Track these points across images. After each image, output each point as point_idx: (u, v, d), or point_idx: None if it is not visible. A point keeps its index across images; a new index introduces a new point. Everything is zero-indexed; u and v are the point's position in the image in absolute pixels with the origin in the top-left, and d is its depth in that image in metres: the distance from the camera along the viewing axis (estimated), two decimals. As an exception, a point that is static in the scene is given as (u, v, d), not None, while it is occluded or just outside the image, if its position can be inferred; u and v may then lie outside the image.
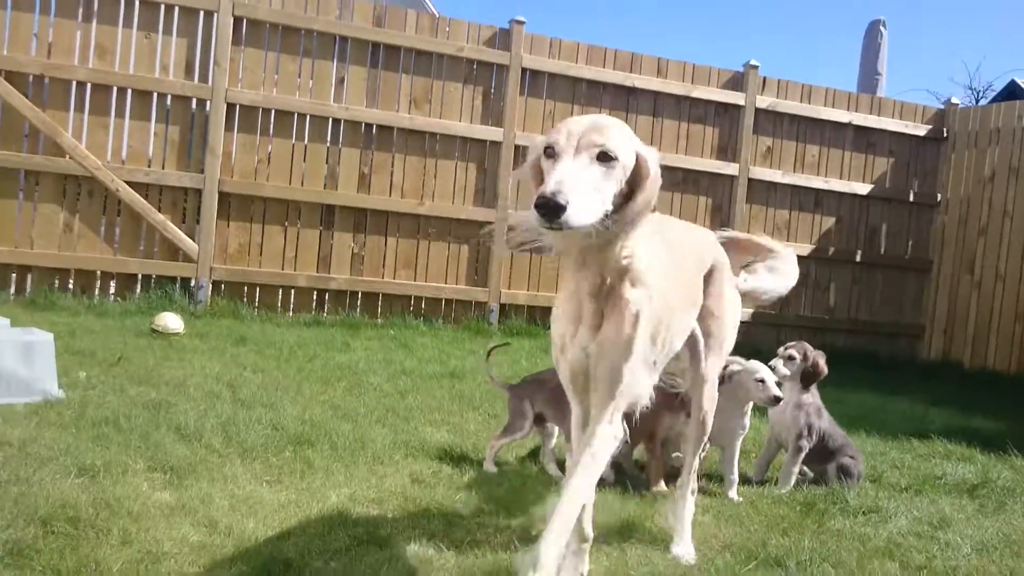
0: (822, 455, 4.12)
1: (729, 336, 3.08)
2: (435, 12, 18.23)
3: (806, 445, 4.05)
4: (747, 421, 3.98)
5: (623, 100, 8.84)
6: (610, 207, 2.12)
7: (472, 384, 5.46)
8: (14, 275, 7.07)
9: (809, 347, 4.17)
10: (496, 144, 8.36)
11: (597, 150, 2.11)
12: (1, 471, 3.13)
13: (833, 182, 9.66)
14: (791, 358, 4.11)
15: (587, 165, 2.10)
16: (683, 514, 3.06)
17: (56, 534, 2.67)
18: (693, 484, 3.10)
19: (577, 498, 2.25)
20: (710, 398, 3.04)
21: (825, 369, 4.13)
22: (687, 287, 2.74)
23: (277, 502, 3.14)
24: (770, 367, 4.05)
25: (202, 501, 3.05)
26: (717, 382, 3.08)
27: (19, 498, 2.90)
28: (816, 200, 9.65)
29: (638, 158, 2.21)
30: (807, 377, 4.10)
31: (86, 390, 4.41)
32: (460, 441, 4.15)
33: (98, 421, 3.86)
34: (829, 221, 9.73)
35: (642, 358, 2.37)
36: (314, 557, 2.66)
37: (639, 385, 2.41)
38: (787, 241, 9.45)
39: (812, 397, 4.14)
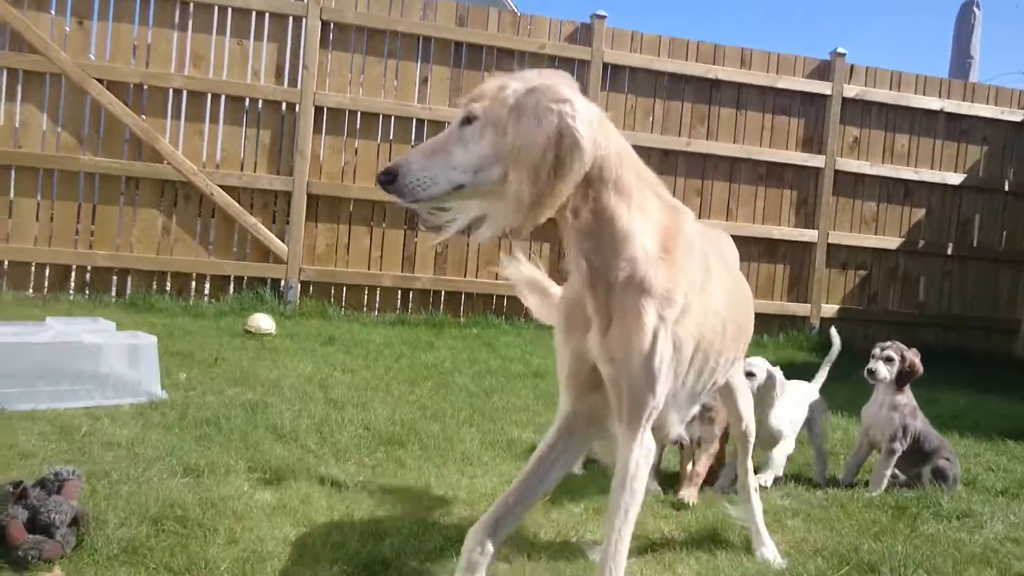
0: (917, 457, 4.05)
1: (747, 338, 2.92)
2: (516, 10, 18.30)
3: (899, 447, 3.99)
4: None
5: (706, 93, 8.76)
6: (467, 175, 1.93)
7: (555, 383, 5.51)
8: (115, 278, 7.41)
9: (904, 346, 4.10)
10: (577, 141, 8.36)
11: (463, 112, 1.94)
12: (112, 470, 3.31)
13: (924, 172, 9.40)
14: (889, 359, 4.04)
15: (453, 129, 1.95)
16: (754, 516, 3.07)
17: (166, 532, 2.81)
18: (754, 483, 3.10)
19: (624, 547, 2.16)
20: (746, 404, 3.04)
21: (921, 368, 4.05)
22: (744, 316, 2.61)
23: (372, 502, 3.25)
24: (869, 371, 4.00)
25: (301, 501, 3.17)
26: (747, 385, 3.07)
27: (130, 497, 3.06)
28: (906, 191, 9.40)
29: (560, 118, 1.87)
30: (903, 377, 4.03)
31: (187, 391, 4.60)
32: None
33: (200, 422, 4.03)
34: (919, 213, 9.47)
35: (667, 386, 2.18)
36: (410, 557, 2.75)
37: (667, 415, 2.31)
38: (876, 234, 9.25)
39: (907, 398, 4.07)
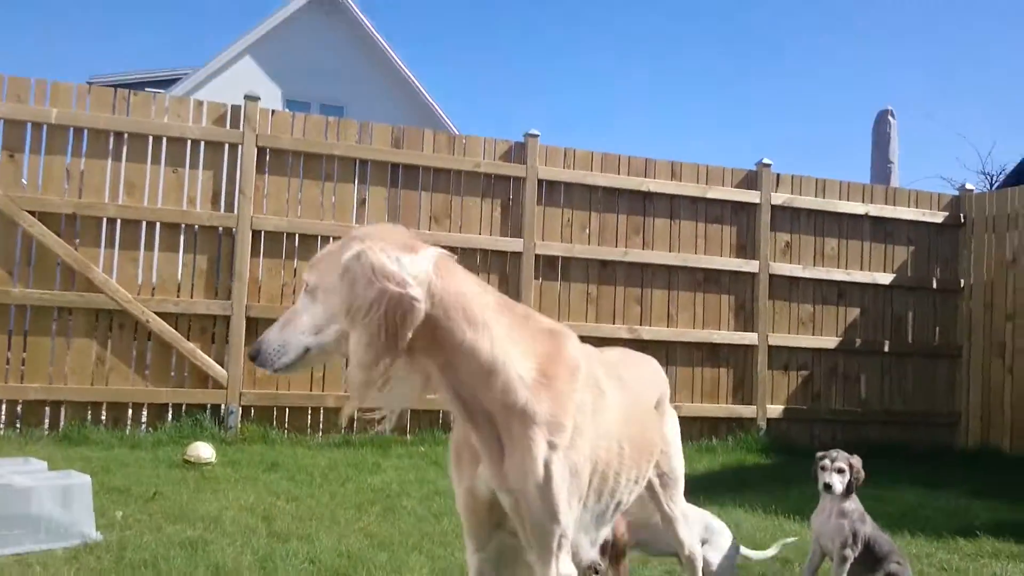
0: (868, 563, 4.02)
1: (680, 464, 3.00)
2: (453, 129, 18.79)
3: (851, 554, 3.97)
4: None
5: (639, 204, 8.99)
6: (311, 338, 2.05)
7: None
8: (48, 410, 7.16)
9: (846, 454, 4.12)
10: (517, 254, 8.48)
11: (305, 281, 2.14)
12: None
13: (855, 273, 9.69)
14: (840, 470, 4.05)
15: (301, 297, 2.13)
16: None
17: None
18: None
19: None
20: (686, 531, 3.01)
21: (863, 475, 4.08)
22: (643, 434, 2.59)
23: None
24: (826, 484, 4.01)
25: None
26: (687, 514, 3.04)
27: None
28: (839, 292, 9.66)
29: (387, 279, 1.97)
30: (851, 486, 4.05)
31: (123, 531, 4.40)
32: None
33: (136, 564, 3.84)
34: (854, 312, 9.71)
35: (571, 511, 2.17)
36: None
37: (576, 540, 2.31)
38: (813, 334, 9.45)
39: (854, 503, 4.07)
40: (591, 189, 8.87)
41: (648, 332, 8.70)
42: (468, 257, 8.38)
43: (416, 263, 2.01)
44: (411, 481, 6.01)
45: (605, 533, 2.58)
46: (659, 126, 54.39)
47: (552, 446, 2.11)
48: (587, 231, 8.83)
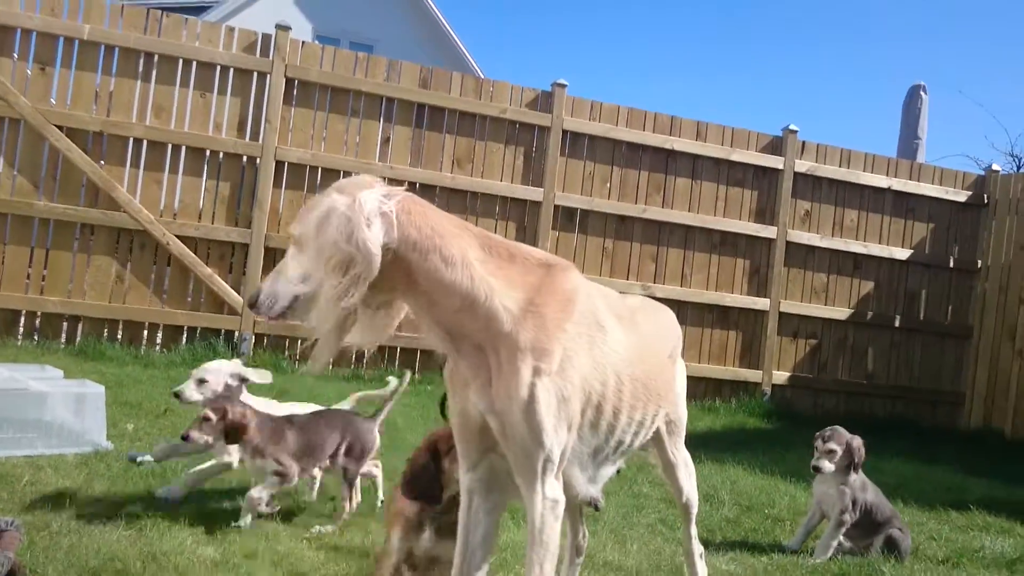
0: (869, 528, 4.12)
1: (685, 414, 3.04)
2: (480, 74, 18.67)
3: (848, 520, 4.06)
4: None
5: (662, 162, 8.97)
6: (298, 286, 2.17)
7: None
8: (65, 324, 7.29)
9: (845, 433, 4.19)
10: (536, 204, 8.51)
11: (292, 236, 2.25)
12: (52, 522, 3.25)
13: (872, 246, 9.66)
14: (831, 451, 4.12)
15: (289, 250, 2.25)
16: None
17: (109, 583, 2.77)
18: (697, 549, 3.12)
19: None
20: (687, 476, 3.06)
21: (863, 454, 4.14)
22: (651, 379, 2.62)
23: (318, 559, 3.21)
24: (815, 467, 4.09)
25: (245, 556, 3.14)
26: (688, 458, 3.09)
27: (70, 549, 3.01)
28: (855, 264, 9.64)
29: (345, 222, 2.10)
30: (850, 466, 4.12)
31: (133, 442, 4.54)
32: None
33: (144, 474, 3.98)
34: (868, 285, 9.70)
35: (557, 437, 2.22)
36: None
37: (571, 473, 2.38)
38: (826, 304, 9.46)
39: (855, 474, 4.15)
40: (615, 143, 8.85)
41: (661, 290, 8.73)
42: (487, 203, 8.42)
43: (377, 203, 2.13)
44: (416, 418, 6.11)
45: (607, 473, 2.63)
46: (687, 85, 53.75)
47: (537, 371, 2.19)
48: (608, 185, 8.83)
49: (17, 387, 4.40)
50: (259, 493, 3.50)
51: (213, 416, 3.46)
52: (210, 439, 3.49)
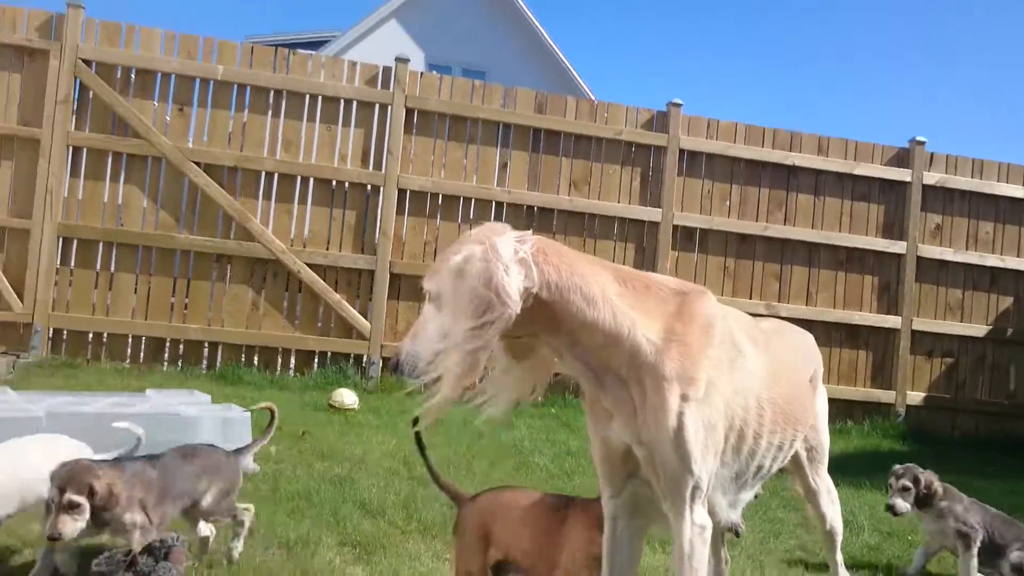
0: (991, 551, 3.95)
1: (827, 440, 3.02)
2: (591, 96, 18.72)
3: (973, 544, 3.90)
4: None
5: (783, 179, 8.80)
6: (440, 342, 2.13)
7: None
8: (206, 350, 7.67)
9: (917, 469, 4.04)
10: (654, 224, 8.47)
11: (426, 290, 2.22)
12: (212, 540, 3.40)
13: (1009, 260, 9.22)
14: (905, 488, 3.99)
15: (425, 307, 2.21)
16: None
17: (266, 603, 2.89)
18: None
19: None
20: (830, 503, 2.99)
21: (938, 488, 3.99)
22: (791, 403, 2.59)
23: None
24: (888, 506, 3.97)
25: (392, 577, 3.22)
26: (831, 485, 3.02)
27: (230, 567, 3.15)
28: (992, 278, 9.22)
29: (484, 272, 2.09)
30: (922, 501, 3.98)
31: (277, 464, 4.72)
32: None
33: (291, 495, 4.13)
34: (1007, 301, 9.25)
35: (706, 464, 2.23)
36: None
37: (713, 498, 2.37)
38: (961, 321, 9.07)
39: (950, 500, 3.99)
40: (733, 161, 8.74)
41: (786, 309, 8.54)
42: (605, 225, 8.43)
43: (513, 252, 2.12)
44: (542, 440, 6.15)
45: (747, 497, 2.61)
46: (807, 99, 52.57)
47: (685, 399, 2.20)
48: (727, 203, 8.72)
49: (170, 412, 4.65)
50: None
51: (81, 499, 2.77)
52: (82, 526, 2.80)
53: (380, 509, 4.03)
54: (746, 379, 2.39)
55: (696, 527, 2.24)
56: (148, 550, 2.85)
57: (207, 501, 3.19)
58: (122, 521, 2.89)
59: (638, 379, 2.21)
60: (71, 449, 3.17)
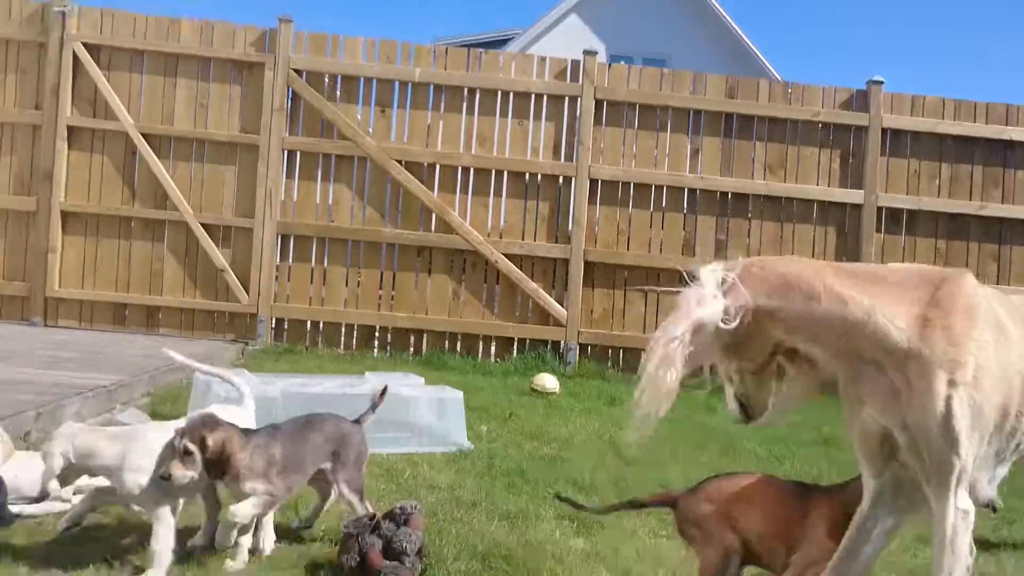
0: None
1: None
2: (778, 77, 18.16)
3: None
4: None
5: (999, 155, 8.27)
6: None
7: (847, 451, 5.33)
8: (412, 337, 8.08)
9: None
10: (856, 207, 8.17)
11: None
12: (438, 511, 3.62)
13: None
14: None
15: None
16: None
17: (495, 569, 3.05)
18: None
19: None
20: None
21: None
22: None
23: (678, 557, 3.32)
24: None
25: (612, 550, 3.31)
26: None
27: (459, 535, 3.34)
28: None
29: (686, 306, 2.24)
30: None
31: (489, 443, 4.92)
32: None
33: (506, 471, 4.30)
34: None
35: (971, 447, 2.20)
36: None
37: (976, 480, 2.31)
38: None
39: None
40: (941, 138, 8.29)
41: (1007, 292, 8.01)
42: (803, 209, 8.21)
43: (716, 284, 2.24)
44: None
45: (1003, 472, 2.53)
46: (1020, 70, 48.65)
47: (952, 384, 2.17)
48: (936, 183, 8.27)
49: (390, 392, 4.94)
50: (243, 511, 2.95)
51: (193, 448, 2.87)
52: (195, 474, 2.88)
53: (592, 487, 4.13)
54: (1011, 359, 2.34)
55: (960, 511, 2.22)
56: (390, 515, 3.09)
57: (336, 471, 3.21)
58: (241, 488, 2.97)
59: (899, 366, 2.21)
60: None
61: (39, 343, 6.79)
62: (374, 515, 3.07)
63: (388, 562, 2.87)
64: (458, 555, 3.13)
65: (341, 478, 3.20)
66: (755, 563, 2.64)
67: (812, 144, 8.27)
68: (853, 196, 8.16)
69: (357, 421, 3.39)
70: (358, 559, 2.89)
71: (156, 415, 4.63)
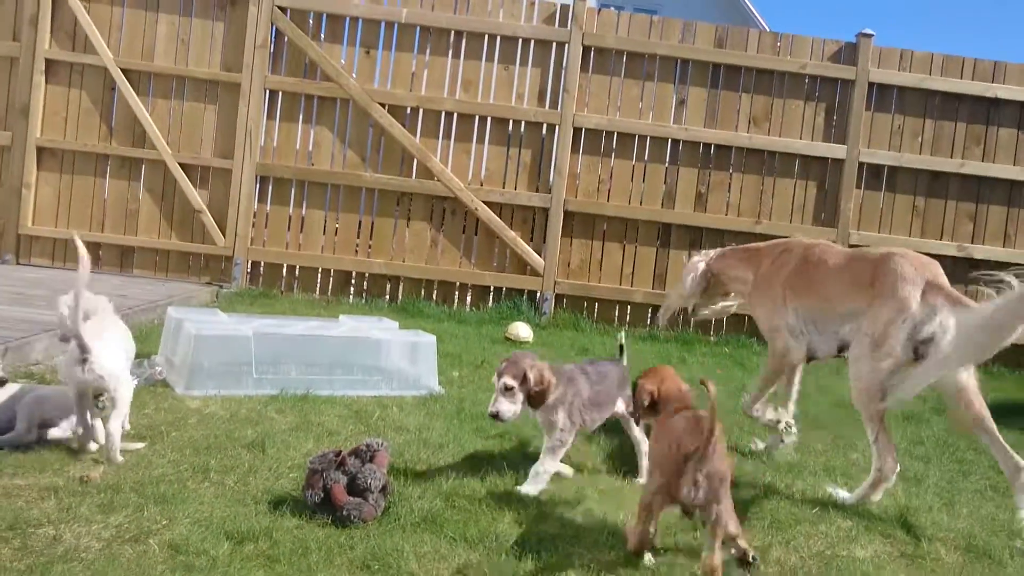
0: None
1: None
2: (766, 28, 18.01)
3: None
4: None
5: (983, 112, 8.22)
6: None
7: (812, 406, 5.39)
8: (388, 284, 8.05)
9: None
10: (838, 161, 8.14)
11: None
12: (405, 451, 3.64)
13: None
14: None
15: None
16: None
17: (459, 508, 3.08)
18: None
19: None
20: None
21: None
22: None
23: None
24: None
25: (574, 494, 3.34)
26: None
27: (424, 474, 3.36)
28: None
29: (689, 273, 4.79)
30: None
31: (460, 387, 4.94)
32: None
33: (474, 416, 4.32)
34: None
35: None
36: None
37: None
38: None
39: None
40: (927, 94, 8.23)
41: (980, 251, 8.05)
42: (785, 163, 8.19)
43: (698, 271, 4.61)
44: (716, 376, 6.12)
45: None
46: (1014, 26, 48.23)
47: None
48: (919, 139, 8.24)
49: (362, 336, 4.94)
50: (544, 467, 3.30)
51: (514, 384, 3.20)
52: (518, 409, 3.23)
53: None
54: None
55: None
56: (355, 452, 3.10)
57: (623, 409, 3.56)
58: (551, 419, 3.30)
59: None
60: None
61: (10, 280, 6.74)
62: (339, 451, 3.08)
63: (351, 498, 2.89)
64: (422, 494, 3.15)
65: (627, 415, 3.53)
66: None
67: (798, 97, 8.21)
68: (835, 151, 8.12)
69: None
70: (322, 495, 2.90)
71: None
